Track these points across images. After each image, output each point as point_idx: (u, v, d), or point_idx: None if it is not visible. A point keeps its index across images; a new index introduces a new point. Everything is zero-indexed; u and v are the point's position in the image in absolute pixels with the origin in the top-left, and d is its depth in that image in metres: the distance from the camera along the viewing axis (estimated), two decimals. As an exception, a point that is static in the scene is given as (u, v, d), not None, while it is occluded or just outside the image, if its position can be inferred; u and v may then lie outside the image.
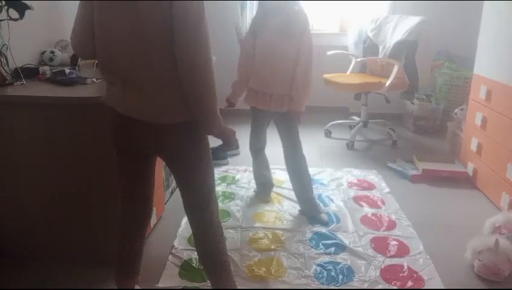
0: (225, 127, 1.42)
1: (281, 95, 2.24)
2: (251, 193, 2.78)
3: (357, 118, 3.99)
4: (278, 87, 2.23)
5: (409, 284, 1.92)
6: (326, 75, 3.73)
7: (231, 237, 2.24)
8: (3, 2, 1.90)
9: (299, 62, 2.18)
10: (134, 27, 1.27)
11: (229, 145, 1.48)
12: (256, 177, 2.73)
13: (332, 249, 2.16)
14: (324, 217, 2.44)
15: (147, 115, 1.36)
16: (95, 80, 2.02)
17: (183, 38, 1.25)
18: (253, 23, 2.32)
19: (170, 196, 2.64)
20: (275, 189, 2.79)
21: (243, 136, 3.59)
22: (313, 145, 3.66)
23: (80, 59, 2.39)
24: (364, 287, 1.90)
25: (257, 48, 2.27)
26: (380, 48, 3.76)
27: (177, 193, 2.63)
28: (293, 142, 2.39)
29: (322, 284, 1.91)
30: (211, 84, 1.30)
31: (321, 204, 2.58)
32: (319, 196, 2.71)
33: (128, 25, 1.28)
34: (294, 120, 2.31)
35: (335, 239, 2.25)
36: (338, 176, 3.06)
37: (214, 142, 1.55)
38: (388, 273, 1.99)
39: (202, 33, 1.25)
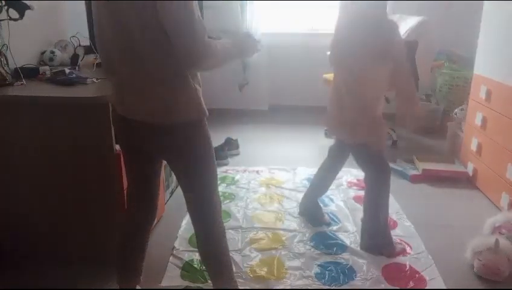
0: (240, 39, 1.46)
1: None
2: (251, 193, 2.78)
3: (357, 118, 3.98)
4: None
5: (411, 284, 1.92)
6: (326, 75, 3.72)
7: (232, 237, 2.23)
8: (3, 2, 1.89)
9: None
10: (119, 27, 1.27)
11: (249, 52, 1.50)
12: (305, 204, 2.48)
13: (334, 249, 2.16)
14: (326, 218, 2.44)
15: (143, 115, 1.35)
16: (95, 80, 2.02)
17: (172, 27, 1.19)
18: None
19: (170, 196, 2.63)
20: (275, 189, 2.78)
21: (243, 136, 3.61)
22: (313, 145, 3.65)
23: (80, 59, 2.39)
24: (366, 287, 1.90)
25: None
26: (380, 48, 3.75)
27: (177, 193, 2.64)
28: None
29: (324, 284, 1.91)
30: (219, 60, 1.31)
31: (321, 204, 2.57)
32: (319, 196, 2.70)
33: (114, 25, 1.28)
34: None
35: (336, 239, 2.25)
36: (338, 176, 3.02)
37: (214, 142, 1.54)
38: (390, 272, 1.99)
39: (190, 19, 1.18)
